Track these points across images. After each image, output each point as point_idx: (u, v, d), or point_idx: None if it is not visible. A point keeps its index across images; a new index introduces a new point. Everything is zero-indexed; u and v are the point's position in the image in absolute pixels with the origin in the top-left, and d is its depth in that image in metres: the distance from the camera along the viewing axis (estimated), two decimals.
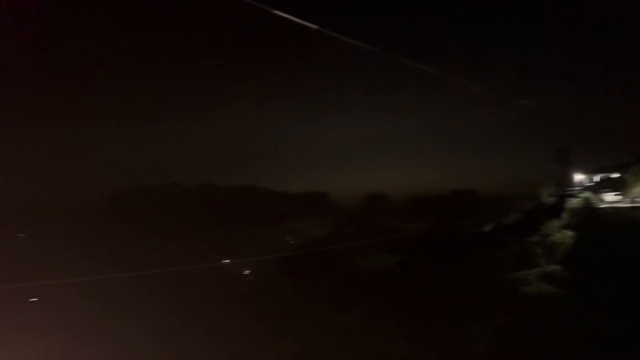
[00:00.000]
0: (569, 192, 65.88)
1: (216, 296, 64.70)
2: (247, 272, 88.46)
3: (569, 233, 52.53)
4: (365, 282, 58.58)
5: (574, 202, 58.22)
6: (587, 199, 57.65)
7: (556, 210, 59.92)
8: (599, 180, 69.93)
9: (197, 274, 68.76)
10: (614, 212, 54.95)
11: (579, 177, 71.63)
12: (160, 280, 62.96)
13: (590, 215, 54.91)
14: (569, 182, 70.60)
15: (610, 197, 59.12)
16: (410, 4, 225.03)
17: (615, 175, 66.89)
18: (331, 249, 73.41)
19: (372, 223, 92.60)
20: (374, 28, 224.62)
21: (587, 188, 65.36)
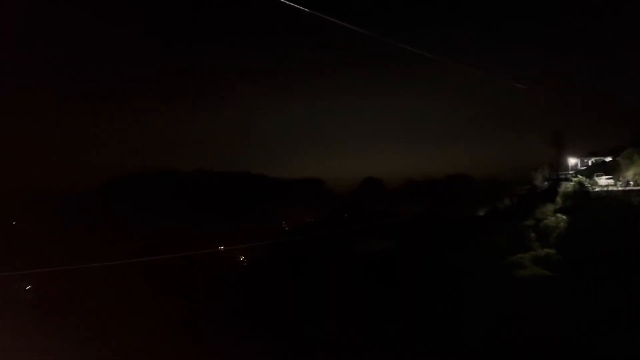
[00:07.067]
0: (562, 176, 66.10)
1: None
2: (241, 258, 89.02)
3: (563, 217, 52.91)
4: (360, 267, 58.88)
5: (567, 186, 58.38)
6: (580, 183, 57.79)
7: (550, 194, 60.14)
8: (592, 164, 70.23)
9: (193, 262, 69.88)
10: (607, 195, 55.28)
11: (572, 161, 71.84)
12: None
13: (584, 199, 55.23)
14: (563, 166, 70.76)
15: (603, 181, 59.24)
16: None
17: (609, 159, 67.16)
18: (325, 233, 73.55)
19: (367, 208, 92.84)
20: (373, 13, 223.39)
21: (580, 172, 65.56)
